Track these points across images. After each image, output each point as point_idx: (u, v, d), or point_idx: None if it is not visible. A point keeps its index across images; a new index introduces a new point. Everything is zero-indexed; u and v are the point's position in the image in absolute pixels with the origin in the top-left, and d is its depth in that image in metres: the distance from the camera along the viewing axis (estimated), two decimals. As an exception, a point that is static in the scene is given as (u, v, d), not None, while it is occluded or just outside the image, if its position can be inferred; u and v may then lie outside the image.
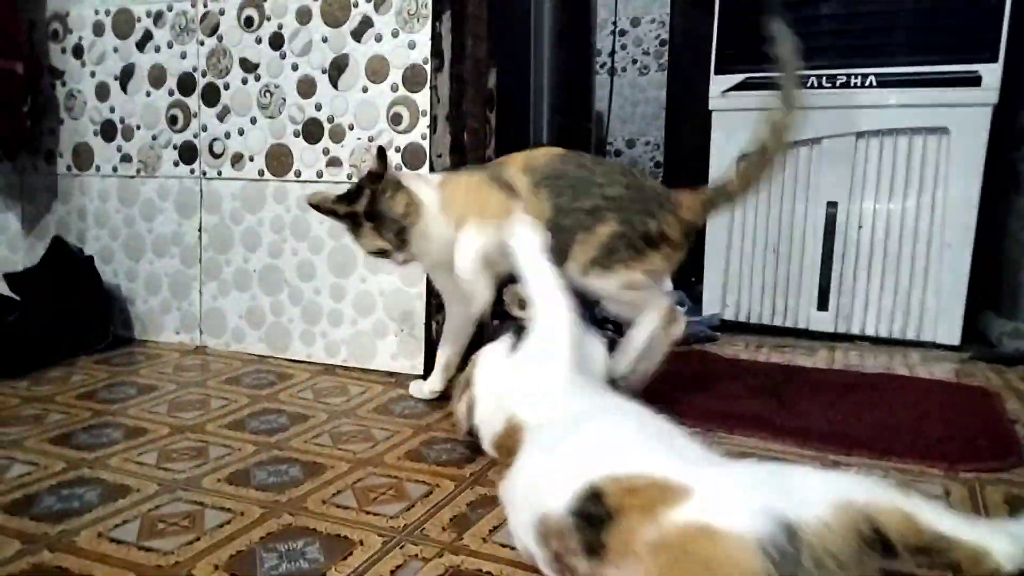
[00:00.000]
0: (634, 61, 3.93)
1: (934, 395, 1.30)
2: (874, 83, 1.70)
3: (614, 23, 3.86)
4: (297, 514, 0.86)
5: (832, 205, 1.76)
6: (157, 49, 1.57)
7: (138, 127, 1.61)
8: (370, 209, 1.10)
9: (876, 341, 1.74)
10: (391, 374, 1.40)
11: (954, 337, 1.67)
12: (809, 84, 1.76)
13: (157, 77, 1.57)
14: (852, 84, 1.72)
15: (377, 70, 1.37)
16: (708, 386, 1.34)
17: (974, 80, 1.61)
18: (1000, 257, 1.90)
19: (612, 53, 3.89)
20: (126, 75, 1.61)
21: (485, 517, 0.85)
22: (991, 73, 1.60)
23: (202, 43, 1.52)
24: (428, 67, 1.33)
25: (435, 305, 1.39)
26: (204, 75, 1.53)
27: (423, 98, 1.34)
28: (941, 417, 1.18)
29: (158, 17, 1.56)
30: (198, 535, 0.81)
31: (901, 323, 1.72)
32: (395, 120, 1.37)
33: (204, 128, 1.54)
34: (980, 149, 1.63)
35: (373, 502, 0.89)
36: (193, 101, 1.55)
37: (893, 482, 0.94)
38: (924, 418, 1.17)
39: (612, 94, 3.78)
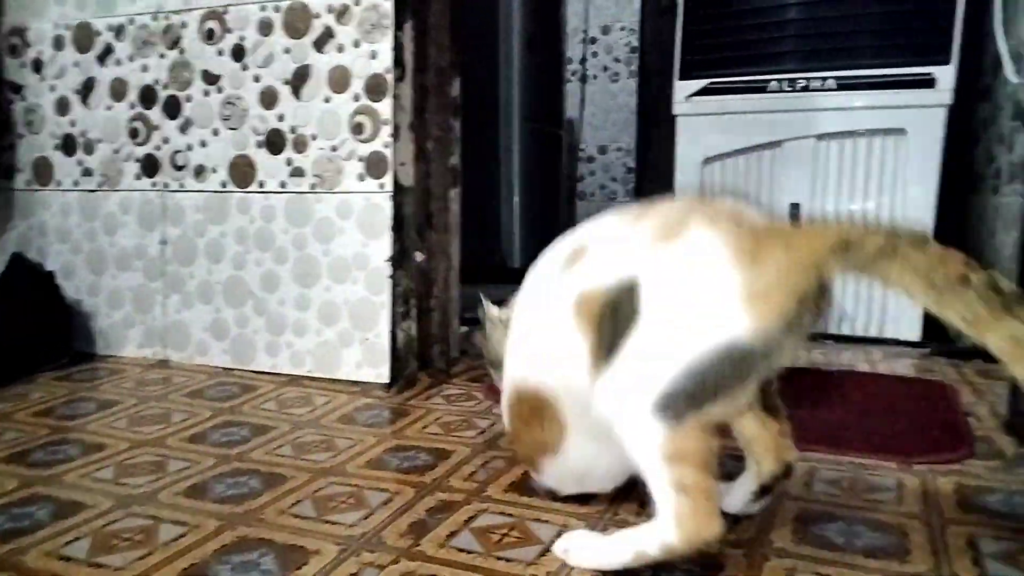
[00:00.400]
0: (605, 68, 3.97)
1: (893, 390, 1.33)
2: (833, 86, 1.73)
3: (584, 31, 3.89)
4: (254, 525, 0.85)
5: (795, 207, 1.79)
6: (118, 62, 1.56)
7: (99, 141, 1.59)
8: None
9: (841, 339, 1.77)
10: (356, 383, 1.40)
11: (915, 333, 1.70)
12: (771, 88, 1.79)
13: (118, 90, 1.56)
14: (812, 87, 1.76)
15: (339, 80, 1.37)
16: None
17: (929, 82, 1.65)
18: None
19: (583, 60, 3.92)
20: (87, 89, 1.60)
21: (444, 523, 0.85)
22: (945, 75, 1.63)
23: (163, 56, 1.52)
24: (390, 76, 1.34)
25: (399, 313, 1.39)
26: (166, 88, 1.52)
27: (385, 107, 1.34)
28: (899, 412, 1.19)
29: (119, 31, 1.55)
30: (151, 550, 0.80)
31: (864, 321, 1.75)
32: (357, 129, 1.37)
33: (166, 140, 1.53)
34: (936, 149, 1.67)
35: (332, 511, 0.89)
36: (155, 114, 1.54)
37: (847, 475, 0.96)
38: (882, 413, 1.19)
39: (584, 101, 3.81)
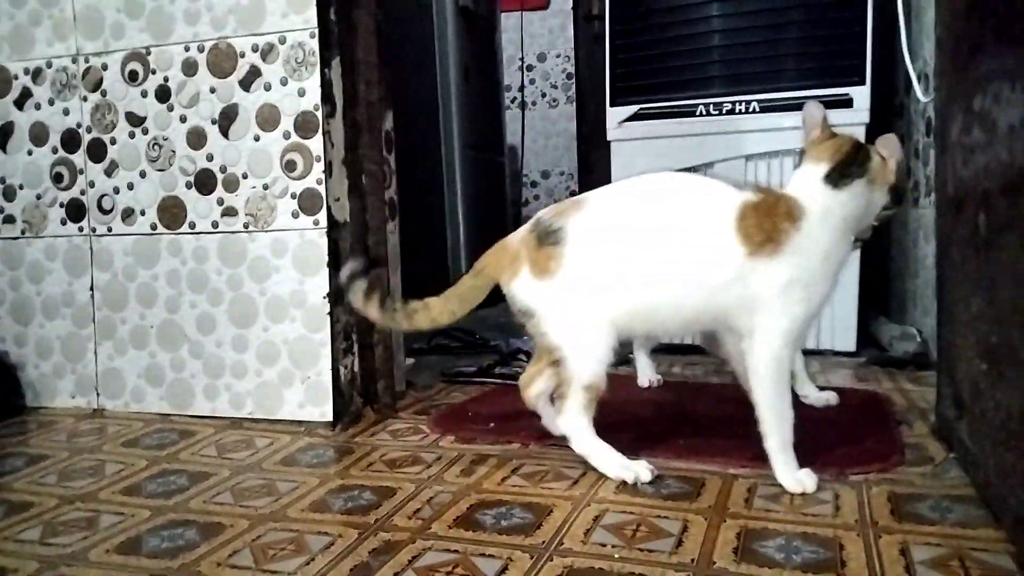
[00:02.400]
0: (543, 95, 4.03)
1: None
2: (757, 109, 1.79)
3: (521, 58, 3.95)
4: (189, 580, 0.82)
5: (729, 226, 1.84)
6: (37, 106, 1.52)
7: (21, 187, 1.54)
8: None
9: (780, 353, 1.81)
10: (300, 423, 1.37)
11: (850, 344, 1.75)
12: (699, 112, 1.84)
13: (39, 135, 1.52)
14: (738, 110, 1.81)
15: (268, 118, 1.36)
16: (620, 409, 1.36)
17: (846, 102, 1.72)
18: (886, 265, 2.01)
19: (521, 88, 3.98)
20: (5, 134, 1.55)
21: (387, 564, 0.84)
22: (861, 95, 1.71)
23: (85, 99, 1.48)
24: (319, 113, 1.33)
25: (341, 350, 1.37)
26: (89, 131, 1.49)
27: (316, 144, 1.34)
28: (834, 423, 1.23)
29: (36, 74, 1.51)
30: (79, 613, 0.76)
31: (801, 334, 1.79)
32: (289, 167, 1.36)
33: (92, 184, 1.49)
34: (858, 166, 1.73)
35: (271, 559, 0.86)
36: (79, 157, 1.50)
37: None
38: (819, 425, 1.22)
39: (524, 127, 3.86)
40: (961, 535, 0.84)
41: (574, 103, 3.95)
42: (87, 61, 1.47)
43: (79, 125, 1.49)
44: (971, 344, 0.95)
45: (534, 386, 1.20)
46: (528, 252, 1.10)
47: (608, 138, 1.93)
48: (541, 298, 1.09)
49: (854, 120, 1.72)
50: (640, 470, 1.04)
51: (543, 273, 1.08)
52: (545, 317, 1.09)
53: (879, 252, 2.01)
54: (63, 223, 1.52)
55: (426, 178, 2.65)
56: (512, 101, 3.93)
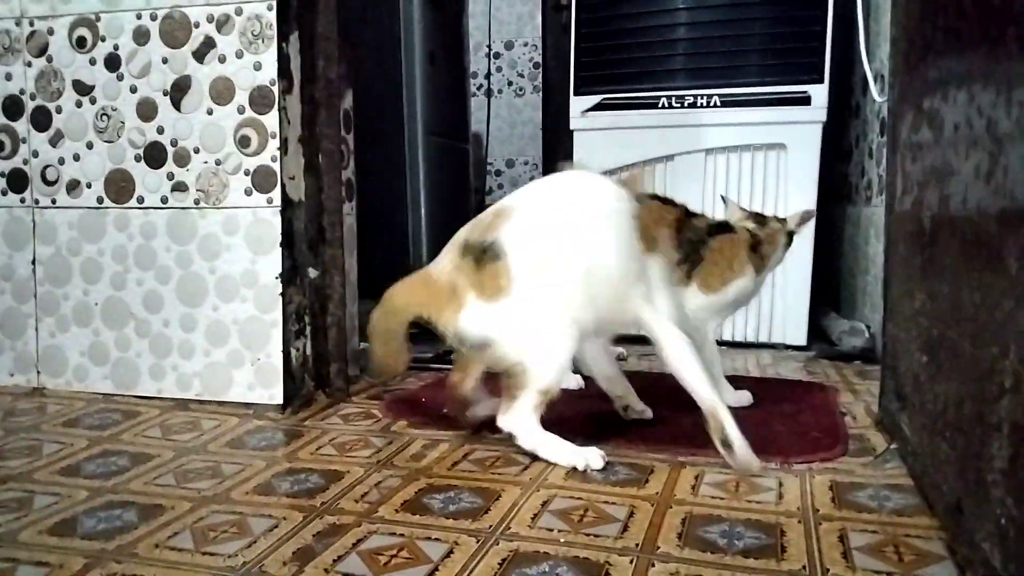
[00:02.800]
0: (509, 83, 4.01)
1: (778, 393, 1.38)
2: (718, 103, 1.81)
3: (488, 46, 3.93)
4: (124, 562, 0.80)
5: (687, 218, 1.85)
6: (-22, 70, 1.46)
7: (-41, 154, 1.48)
8: None
9: (733, 345, 1.84)
10: (248, 405, 1.35)
11: (801, 338, 1.79)
12: (661, 104, 1.85)
13: (-21, 100, 1.46)
14: (699, 104, 1.83)
15: (222, 92, 1.33)
16: (571, 397, 1.36)
17: (805, 100, 1.75)
18: (838, 261, 2.06)
19: (488, 75, 3.95)
20: (-56, 98, 1.48)
21: (331, 547, 0.83)
22: (819, 93, 1.74)
23: (29, 64, 1.43)
24: (276, 88, 1.30)
25: (293, 332, 1.35)
26: (33, 98, 1.43)
27: (272, 120, 1.31)
28: (781, 415, 1.25)
29: (-22, 36, 1.45)
30: (6, 594, 0.74)
31: (754, 327, 1.82)
32: (243, 143, 1.32)
33: (35, 154, 1.44)
34: (814, 163, 1.77)
35: (212, 541, 0.84)
36: (22, 126, 1.44)
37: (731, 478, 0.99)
38: (767, 416, 1.24)
39: (490, 115, 3.84)
40: (897, 522, 0.86)
41: (540, 92, 3.94)
42: (32, 24, 1.41)
43: (22, 92, 1.44)
44: (913, 338, 0.98)
45: (466, 384, 1.18)
46: (469, 278, 1.06)
47: (571, 127, 1.93)
48: (499, 320, 1.05)
49: (811, 118, 1.75)
50: (592, 457, 1.04)
51: (496, 292, 1.04)
52: (505, 339, 1.06)
53: (830, 249, 2.05)
54: (3, 194, 1.46)
55: (387, 162, 2.61)
56: (478, 88, 3.91)
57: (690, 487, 0.98)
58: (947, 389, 0.81)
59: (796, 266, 1.77)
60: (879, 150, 1.71)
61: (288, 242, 1.33)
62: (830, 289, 2.06)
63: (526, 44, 4.00)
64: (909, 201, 1.02)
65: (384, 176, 2.59)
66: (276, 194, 1.31)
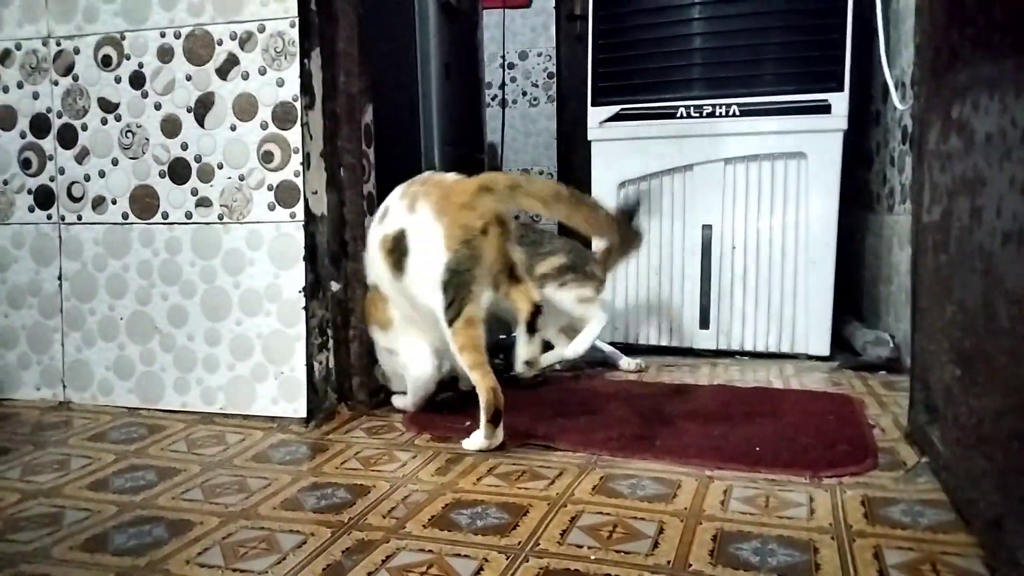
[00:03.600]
0: (524, 93, 4.02)
1: (803, 405, 1.37)
2: (737, 112, 1.80)
3: (503, 56, 3.94)
4: (156, 579, 0.80)
5: (707, 228, 1.84)
6: (5, 89, 1.47)
7: (-13, 171, 1.50)
8: None
9: (755, 356, 1.82)
10: (272, 419, 1.35)
11: (824, 348, 1.77)
12: (680, 114, 1.84)
13: (6, 119, 1.48)
14: (718, 113, 1.82)
15: (245, 108, 1.34)
16: (595, 410, 1.36)
17: (825, 108, 1.73)
18: (860, 270, 2.04)
19: (502, 86, 3.97)
20: (-28, 117, 1.50)
21: (361, 563, 0.83)
22: (839, 101, 1.72)
23: (56, 83, 1.44)
24: (298, 104, 1.31)
25: (316, 345, 1.35)
26: (60, 116, 1.45)
27: (294, 135, 1.32)
28: (807, 426, 1.23)
29: (5, 56, 1.47)
30: (40, 612, 0.74)
31: (776, 337, 1.81)
32: (266, 158, 1.33)
33: (62, 171, 1.46)
34: (835, 171, 1.75)
35: (241, 558, 0.85)
36: (48, 143, 1.46)
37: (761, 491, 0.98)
38: (793, 428, 1.22)
39: (504, 125, 3.84)
40: (933, 539, 0.85)
41: (554, 102, 3.94)
42: (59, 44, 1.43)
43: (49, 110, 1.45)
44: (944, 350, 0.96)
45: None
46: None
47: (589, 138, 1.93)
48: None
49: (832, 127, 1.73)
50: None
51: None
52: None
53: (853, 258, 2.03)
54: (31, 210, 1.48)
55: (406, 174, 2.63)
56: (492, 99, 3.92)
57: (719, 502, 0.97)
58: (983, 403, 0.80)
59: (818, 276, 1.75)
60: (901, 158, 1.70)
61: (311, 256, 1.33)
62: (852, 298, 2.04)
63: (540, 54, 4.01)
64: (938, 211, 1.01)
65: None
66: (299, 209, 1.32)
